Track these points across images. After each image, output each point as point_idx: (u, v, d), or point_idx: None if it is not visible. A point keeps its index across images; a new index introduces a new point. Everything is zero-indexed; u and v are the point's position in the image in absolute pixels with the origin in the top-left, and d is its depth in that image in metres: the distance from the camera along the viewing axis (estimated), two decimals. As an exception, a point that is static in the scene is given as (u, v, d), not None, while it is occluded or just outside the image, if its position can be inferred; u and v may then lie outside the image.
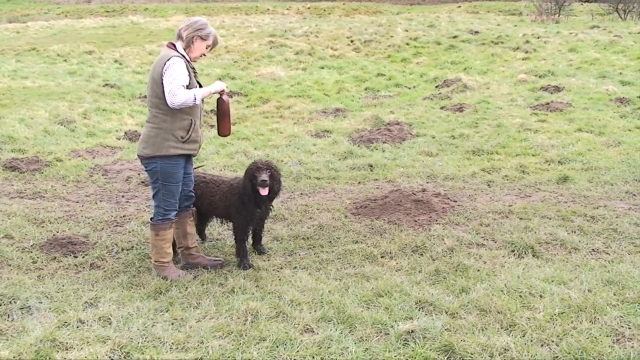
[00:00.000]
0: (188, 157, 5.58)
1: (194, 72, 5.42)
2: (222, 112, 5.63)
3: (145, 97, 14.46)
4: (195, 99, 5.18)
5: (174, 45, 5.36)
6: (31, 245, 6.25)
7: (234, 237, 5.94)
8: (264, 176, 5.56)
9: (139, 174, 8.93)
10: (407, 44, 22.25)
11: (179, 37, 5.39)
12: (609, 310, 4.66)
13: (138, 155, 5.51)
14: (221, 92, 5.57)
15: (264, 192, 5.59)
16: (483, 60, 18.96)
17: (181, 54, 5.30)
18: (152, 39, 24.08)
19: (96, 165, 9.36)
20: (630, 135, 10.40)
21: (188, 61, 5.34)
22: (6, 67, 18.81)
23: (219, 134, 5.72)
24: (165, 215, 5.52)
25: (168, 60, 5.17)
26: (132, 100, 14.51)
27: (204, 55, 5.56)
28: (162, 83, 5.17)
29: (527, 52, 19.79)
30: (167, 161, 5.33)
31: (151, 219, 5.62)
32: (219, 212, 6.07)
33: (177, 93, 5.08)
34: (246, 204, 5.71)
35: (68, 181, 8.64)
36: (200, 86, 5.46)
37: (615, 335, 4.34)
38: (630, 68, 16.41)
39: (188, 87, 5.23)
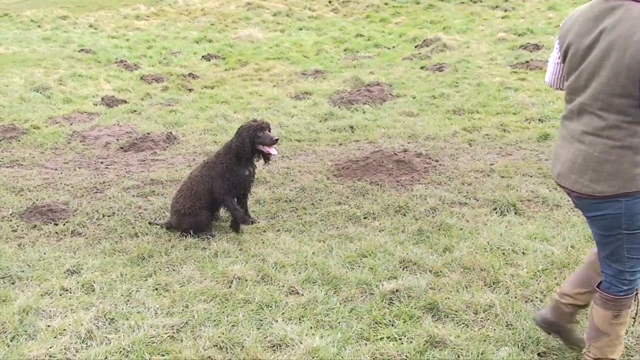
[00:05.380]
0: None
1: None
2: None
3: (121, 61, 14.31)
4: None
5: None
6: (10, 214, 6.17)
7: (226, 207, 5.74)
8: (274, 134, 5.55)
9: (117, 139, 8.82)
10: (386, 4, 22.04)
11: None
12: (591, 265, 4.70)
13: (576, 192, 3.13)
14: None
15: (274, 151, 5.59)
16: (462, 19, 18.86)
17: None
18: (127, 3, 23.57)
19: (74, 131, 9.22)
20: (610, 92, 10.41)
21: None
22: (-22, 33, 18.42)
23: None
24: (631, 284, 3.27)
25: None
26: (108, 65, 14.27)
27: None
28: None
29: (506, 10, 19.72)
30: (635, 197, 3.03)
31: (599, 288, 3.34)
32: (204, 200, 5.61)
33: None
34: (232, 169, 5.55)
35: (46, 148, 8.52)
36: None
37: (597, 289, 4.39)
38: (609, 25, 16.37)
39: None
